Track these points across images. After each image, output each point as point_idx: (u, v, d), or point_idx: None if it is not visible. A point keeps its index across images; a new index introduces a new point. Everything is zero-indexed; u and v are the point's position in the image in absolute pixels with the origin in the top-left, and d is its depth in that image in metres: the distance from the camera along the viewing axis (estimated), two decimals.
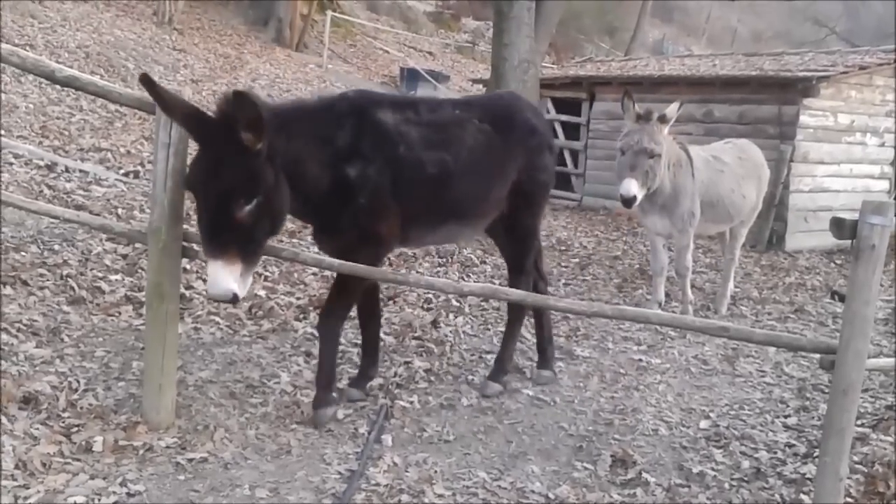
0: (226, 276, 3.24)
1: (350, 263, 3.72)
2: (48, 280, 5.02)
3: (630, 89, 6.23)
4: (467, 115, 4.35)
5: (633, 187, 5.60)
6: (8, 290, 4.72)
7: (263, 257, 5.82)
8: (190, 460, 3.46)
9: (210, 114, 3.35)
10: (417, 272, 6.54)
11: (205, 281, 5.52)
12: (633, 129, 5.74)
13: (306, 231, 6.67)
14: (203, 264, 5.66)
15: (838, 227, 2.97)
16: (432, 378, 4.71)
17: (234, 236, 3.27)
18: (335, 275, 4.17)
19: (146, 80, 3.24)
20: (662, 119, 5.75)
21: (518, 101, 4.87)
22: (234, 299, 3.35)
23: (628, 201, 5.65)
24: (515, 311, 4.74)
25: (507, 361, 4.73)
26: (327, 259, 3.78)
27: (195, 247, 3.75)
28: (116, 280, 5.25)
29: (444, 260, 7.31)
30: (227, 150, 3.23)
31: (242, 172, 3.25)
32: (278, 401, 4.12)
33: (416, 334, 5.33)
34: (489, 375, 4.67)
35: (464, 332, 5.60)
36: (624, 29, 31.53)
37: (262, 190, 3.31)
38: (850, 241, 2.92)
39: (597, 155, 12.64)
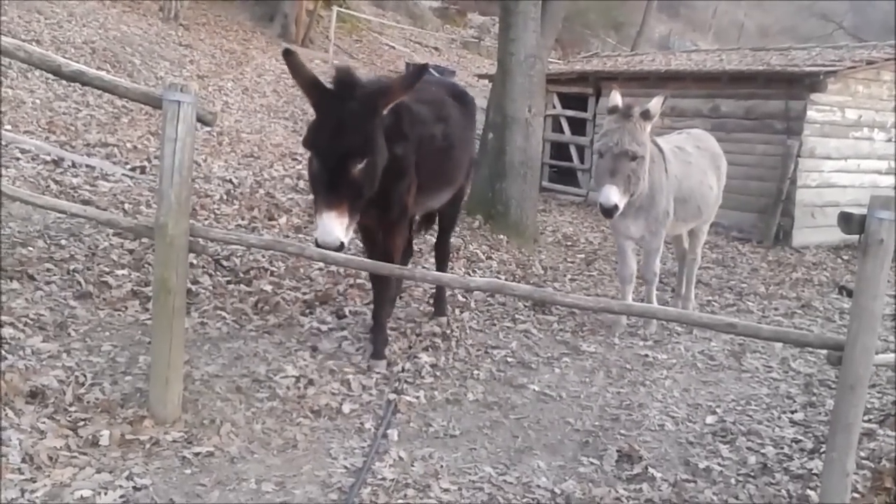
0: (337, 226, 3.66)
1: (357, 259, 3.81)
2: (55, 275, 5.03)
3: (604, 83, 5.87)
4: (443, 93, 5.09)
5: (613, 195, 5.02)
6: (15, 285, 4.73)
7: (269, 252, 5.90)
8: (196, 454, 3.46)
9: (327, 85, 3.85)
10: (424, 267, 6.53)
11: (211, 276, 5.56)
12: (611, 128, 5.17)
13: (311, 227, 6.66)
14: (208, 259, 5.69)
15: (846, 221, 2.96)
16: (438, 373, 4.71)
17: (347, 191, 3.71)
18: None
19: (287, 52, 3.79)
20: (645, 115, 5.18)
21: (456, 82, 6.04)
22: (341, 247, 3.68)
23: (608, 211, 5.05)
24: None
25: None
26: (332, 254, 3.79)
27: (201, 241, 3.76)
28: (123, 275, 5.26)
29: (451, 255, 7.29)
30: (349, 115, 3.70)
31: (361, 134, 3.72)
32: (284, 395, 4.12)
33: (421, 329, 5.33)
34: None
35: (470, 327, 5.60)
36: (630, 24, 31.44)
37: (373, 152, 3.80)
38: (857, 237, 2.91)
39: None
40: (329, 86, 3.84)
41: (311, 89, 3.81)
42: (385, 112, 3.87)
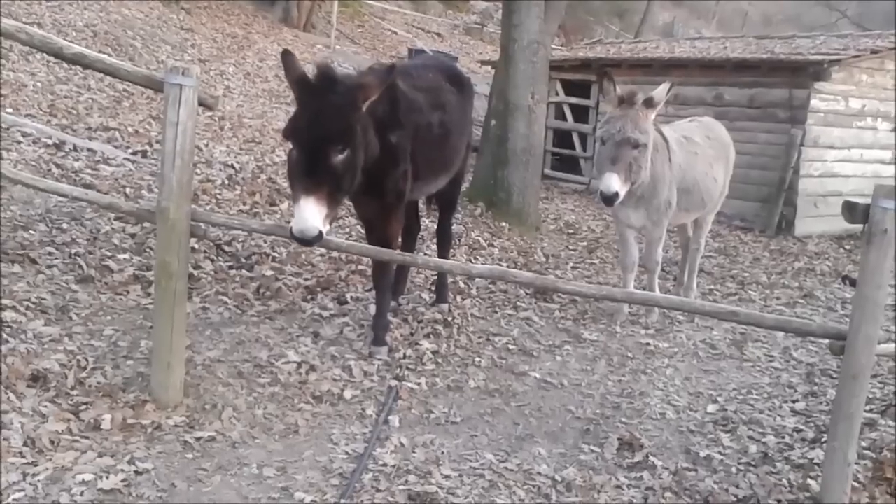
0: (314, 213, 3.57)
1: (359, 245, 3.79)
2: (56, 258, 5.03)
3: (609, 70, 5.70)
4: (441, 78, 5.14)
5: (614, 183, 4.95)
6: (16, 269, 4.72)
7: (271, 237, 5.89)
8: (198, 439, 3.47)
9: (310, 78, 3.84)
10: (425, 254, 6.52)
11: (212, 261, 5.55)
12: (614, 116, 5.13)
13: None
14: (210, 244, 5.68)
15: (850, 211, 2.95)
16: (439, 360, 4.71)
17: (326, 178, 3.66)
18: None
19: (286, 52, 3.90)
20: (649, 103, 5.14)
21: (453, 64, 6.06)
22: (318, 238, 3.59)
23: (609, 199, 4.98)
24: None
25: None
26: (334, 240, 3.79)
27: (203, 226, 3.75)
28: (125, 259, 5.25)
29: (453, 242, 7.28)
30: (328, 105, 3.71)
31: (340, 124, 3.72)
32: (286, 381, 4.13)
33: (423, 316, 5.33)
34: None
35: (471, 314, 5.60)
36: (634, 11, 31.33)
37: (352, 144, 3.77)
38: (860, 226, 2.90)
39: None
40: (311, 80, 3.87)
41: (295, 84, 3.83)
42: (365, 107, 3.85)
